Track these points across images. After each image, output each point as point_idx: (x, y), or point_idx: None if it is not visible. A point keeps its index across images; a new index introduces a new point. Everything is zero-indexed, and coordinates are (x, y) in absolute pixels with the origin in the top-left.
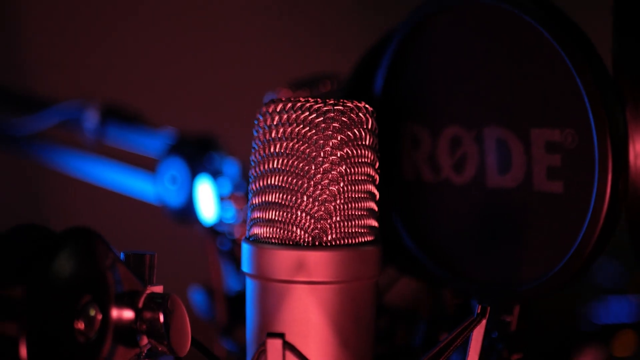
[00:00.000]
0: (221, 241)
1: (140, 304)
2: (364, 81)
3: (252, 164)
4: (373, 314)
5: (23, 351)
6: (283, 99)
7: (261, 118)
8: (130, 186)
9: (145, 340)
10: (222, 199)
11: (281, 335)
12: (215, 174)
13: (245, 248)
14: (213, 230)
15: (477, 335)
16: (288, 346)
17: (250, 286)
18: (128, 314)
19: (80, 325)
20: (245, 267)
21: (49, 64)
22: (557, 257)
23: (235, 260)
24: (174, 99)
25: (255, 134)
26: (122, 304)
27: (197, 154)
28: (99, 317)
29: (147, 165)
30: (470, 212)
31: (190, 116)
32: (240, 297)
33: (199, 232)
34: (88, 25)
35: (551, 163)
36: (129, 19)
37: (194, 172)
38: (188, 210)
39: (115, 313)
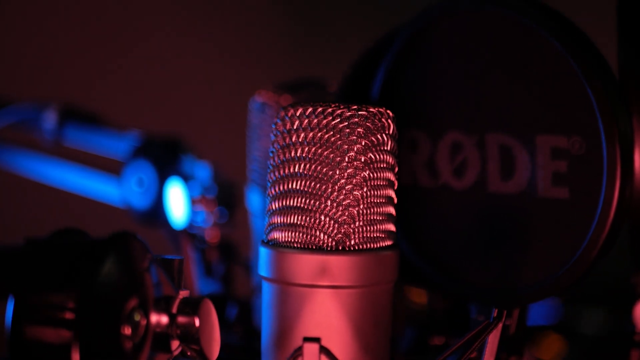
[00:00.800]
0: (193, 244)
1: (174, 309)
2: (359, 85)
3: (270, 168)
4: (391, 318)
5: (76, 358)
6: (302, 104)
7: (279, 122)
8: (93, 189)
9: (175, 345)
10: (192, 202)
11: (317, 340)
12: (185, 177)
13: (264, 252)
14: (184, 234)
15: (494, 339)
16: (324, 350)
17: (269, 290)
18: (164, 319)
19: (127, 330)
20: (264, 271)
21: (6, 64)
22: (561, 261)
23: (206, 263)
24: (141, 102)
25: (273, 138)
26: (160, 308)
27: (165, 157)
28: (143, 322)
29: (112, 167)
30: (470, 217)
31: (158, 119)
32: (212, 299)
33: (167, 235)
34: (51, 24)
35: (557, 169)
36: (95, 17)
37: (162, 175)
38: (155, 213)
39: (154, 318)
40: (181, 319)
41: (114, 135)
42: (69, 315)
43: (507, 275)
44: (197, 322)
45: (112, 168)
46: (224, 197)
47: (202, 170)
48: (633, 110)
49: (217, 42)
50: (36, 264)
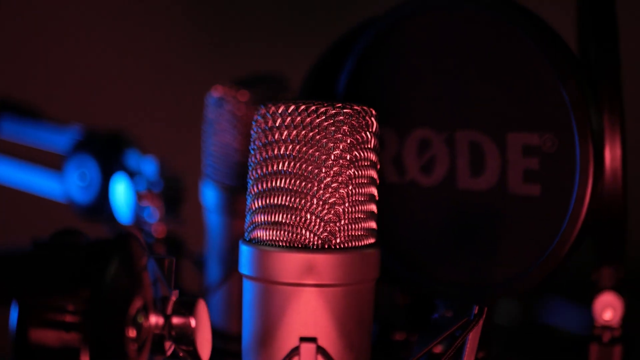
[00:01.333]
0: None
1: (169, 310)
2: (323, 80)
3: (251, 165)
4: (372, 316)
5: None
6: (283, 101)
7: (260, 119)
8: (32, 183)
9: (168, 345)
10: (138, 196)
11: (314, 340)
12: (129, 171)
13: (247, 250)
14: (133, 229)
15: (474, 337)
16: (320, 350)
17: (252, 289)
18: (160, 320)
19: (132, 333)
20: (246, 269)
21: None
22: (532, 257)
23: None
24: (83, 96)
25: (255, 135)
26: (156, 309)
27: (108, 150)
28: (146, 324)
29: (53, 162)
30: (439, 214)
31: (101, 113)
32: None
33: (110, 230)
34: None
35: (528, 166)
36: (33, 8)
37: (104, 169)
38: (99, 207)
39: (153, 319)
40: (177, 320)
41: (54, 128)
42: (77, 319)
43: (478, 271)
44: (193, 323)
45: (52, 162)
46: (171, 191)
47: (148, 165)
48: (603, 108)
49: (162, 36)
50: (43, 266)
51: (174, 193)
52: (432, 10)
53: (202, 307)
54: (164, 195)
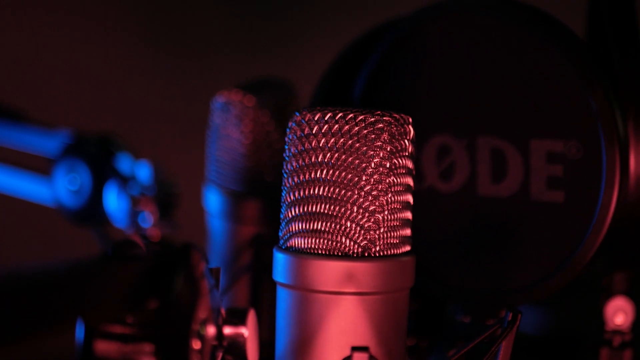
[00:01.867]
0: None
1: (220, 320)
2: (336, 87)
3: (286, 173)
4: (407, 323)
5: None
6: (319, 108)
7: (295, 126)
8: (19, 187)
9: (219, 356)
10: (131, 201)
11: (366, 349)
12: (121, 175)
13: (283, 258)
14: (134, 234)
15: (508, 344)
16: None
17: (287, 297)
18: (214, 330)
19: (197, 345)
20: (283, 277)
21: None
22: (554, 264)
23: None
24: (73, 99)
25: (289, 141)
26: (213, 319)
27: (99, 154)
28: (207, 335)
29: (41, 166)
30: (458, 220)
31: (92, 117)
32: None
33: (97, 235)
34: None
35: (552, 173)
36: (22, 9)
37: (95, 173)
38: (89, 212)
39: (211, 330)
40: (229, 330)
41: (42, 132)
42: (145, 332)
43: (498, 277)
44: (245, 333)
45: (40, 167)
46: (164, 196)
47: (141, 169)
48: (629, 115)
49: (155, 38)
50: (108, 279)
51: (167, 197)
52: (452, 15)
53: (252, 317)
54: (157, 200)
